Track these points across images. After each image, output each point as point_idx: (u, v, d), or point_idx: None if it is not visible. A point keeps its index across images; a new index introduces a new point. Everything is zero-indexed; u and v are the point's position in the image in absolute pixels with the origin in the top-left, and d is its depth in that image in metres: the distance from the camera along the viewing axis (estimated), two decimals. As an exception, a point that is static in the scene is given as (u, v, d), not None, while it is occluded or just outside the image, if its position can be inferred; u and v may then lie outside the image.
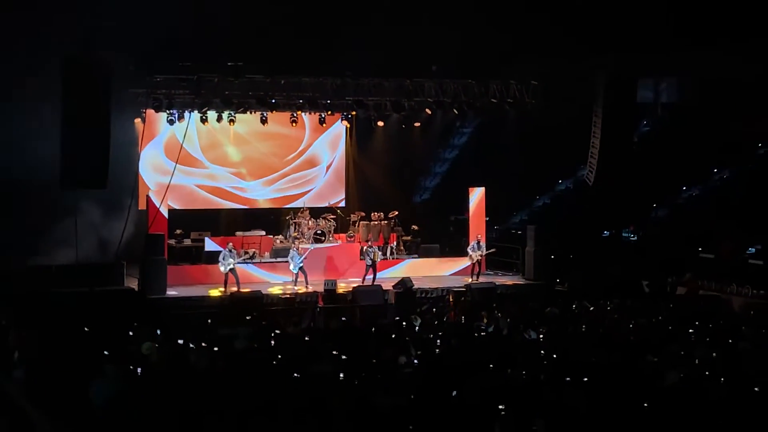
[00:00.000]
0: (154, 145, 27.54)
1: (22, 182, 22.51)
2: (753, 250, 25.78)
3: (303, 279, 24.24)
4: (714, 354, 14.21)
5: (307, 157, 29.82)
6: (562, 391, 11.43)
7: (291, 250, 24.64)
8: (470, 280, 25.65)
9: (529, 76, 26.68)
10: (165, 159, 27.51)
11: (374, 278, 24.87)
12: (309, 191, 29.78)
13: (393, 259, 27.46)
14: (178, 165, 26.23)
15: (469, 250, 26.21)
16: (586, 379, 12.36)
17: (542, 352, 14.65)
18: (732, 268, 24.64)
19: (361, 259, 25.45)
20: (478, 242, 26.22)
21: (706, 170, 30.78)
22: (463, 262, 26.70)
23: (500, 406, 10.89)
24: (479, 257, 26.01)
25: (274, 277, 25.57)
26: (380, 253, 25.66)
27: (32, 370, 12.97)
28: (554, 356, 14.12)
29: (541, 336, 16.23)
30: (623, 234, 30.39)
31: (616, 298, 21.37)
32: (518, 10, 23.65)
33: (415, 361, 13.89)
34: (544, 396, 11.38)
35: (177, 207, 27.01)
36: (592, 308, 20.23)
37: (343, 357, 14.06)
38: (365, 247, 25.29)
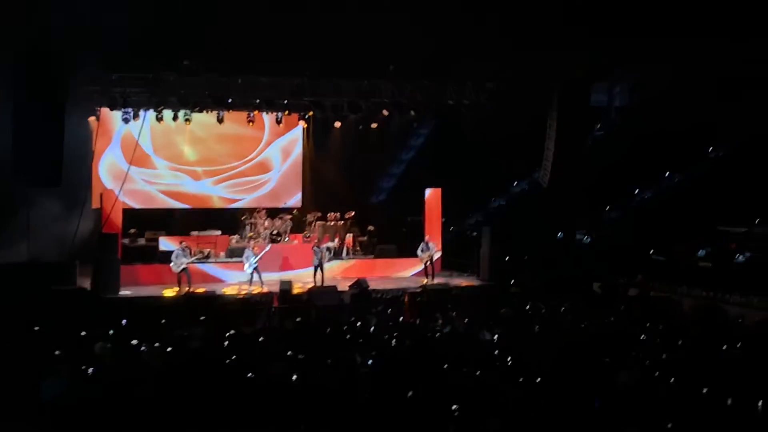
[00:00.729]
0: (109, 144, 27.32)
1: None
2: (703, 252, 26.13)
3: (258, 279, 24.19)
4: (664, 355, 14.41)
5: (264, 157, 29.77)
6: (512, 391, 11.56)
7: (246, 250, 24.59)
8: (425, 281, 25.74)
9: (485, 78, 26.82)
10: (120, 158, 27.32)
11: (323, 279, 24.86)
12: (266, 191, 29.72)
13: (349, 259, 27.50)
14: (133, 164, 26.06)
15: (419, 251, 26.29)
16: (539, 379, 12.47)
17: (496, 352, 14.76)
18: (683, 270, 24.95)
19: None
20: (427, 243, 26.32)
21: (658, 173, 31.14)
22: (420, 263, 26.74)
23: (454, 407, 10.97)
24: (428, 258, 26.10)
25: (229, 276, 25.51)
26: (328, 253, 25.63)
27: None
28: (508, 357, 14.22)
29: (496, 337, 16.34)
30: (577, 235, 30.64)
31: (570, 299, 21.55)
32: (474, 11, 23.70)
33: (370, 361, 13.93)
34: (499, 396, 11.48)
35: (132, 206, 26.84)
36: (545, 309, 20.39)
37: (299, 357, 14.07)
38: (313, 247, 25.27)
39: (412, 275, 27.24)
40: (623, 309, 20.88)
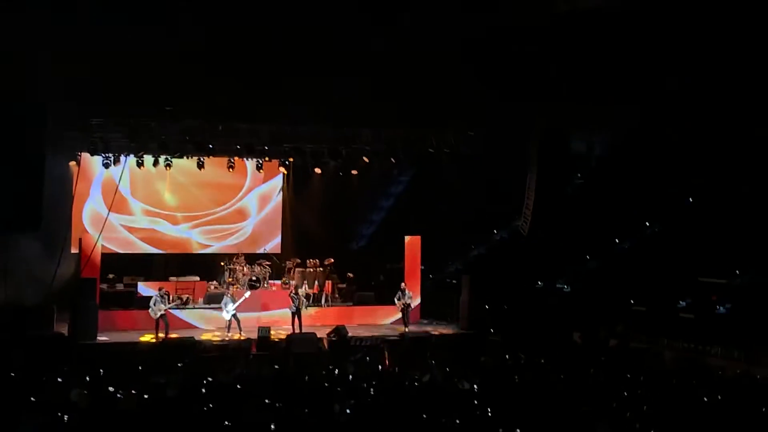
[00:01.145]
0: (89, 188, 27.20)
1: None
2: (683, 303, 26.14)
3: (236, 326, 24.04)
4: (644, 407, 14.36)
5: (244, 203, 29.68)
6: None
7: (225, 297, 24.46)
8: (404, 329, 25.64)
9: (466, 127, 26.93)
10: (100, 202, 27.20)
11: (300, 326, 24.72)
12: (242, 239, 29.60)
13: (328, 306, 27.38)
14: (112, 208, 25.96)
15: (395, 299, 26.25)
16: (518, 430, 12.39)
17: (475, 402, 14.67)
18: (664, 321, 24.96)
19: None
20: (403, 290, 26.26)
21: (638, 223, 31.23)
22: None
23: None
24: (403, 305, 26.03)
25: (207, 323, 25.34)
26: (305, 300, 25.51)
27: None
28: (487, 407, 14.13)
29: (475, 386, 16.26)
30: (557, 285, 30.62)
31: (549, 348, 21.49)
32: (454, 59, 23.89)
33: (349, 410, 13.81)
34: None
35: (110, 251, 26.68)
36: (524, 359, 20.32)
37: (276, 405, 13.94)
38: (291, 293, 25.17)
39: (391, 323, 27.15)
40: (603, 360, 20.84)
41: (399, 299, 26.09)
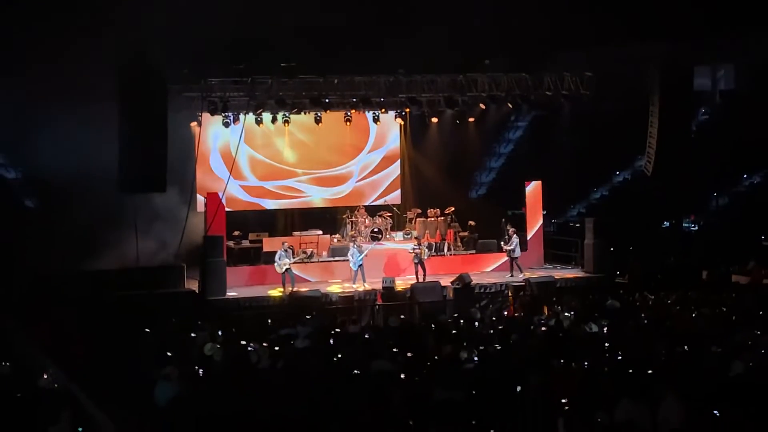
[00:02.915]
0: (211, 148, 27.67)
1: (81, 185, 22.62)
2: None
3: (361, 277, 24.25)
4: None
5: (363, 156, 29.64)
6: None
7: (351, 248, 24.65)
8: (525, 274, 25.36)
9: (584, 68, 26.36)
10: (221, 161, 27.65)
11: (425, 276, 24.77)
12: (365, 190, 29.65)
13: (450, 255, 27.36)
14: (234, 167, 26.37)
15: (503, 245, 26.17)
16: (650, 371, 12.24)
17: (605, 344, 14.54)
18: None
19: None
20: (510, 237, 25.94)
21: (766, 157, 30.28)
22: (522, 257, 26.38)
23: (563, 400, 10.85)
24: (510, 251, 25.75)
25: (332, 275, 25.64)
26: (427, 250, 25.43)
27: (98, 371, 13.26)
28: (616, 348, 14.00)
29: (603, 329, 16.12)
30: (683, 224, 29.99)
31: (678, 288, 21.12)
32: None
33: (476, 357, 13.86)
34: (607, 389, 11.29)
35: (234, 208, 27.16)
36: (653, 300, 20.02)
37: (404, 354, 14.07)
38: (412, 245, 25.19)
39: (494, 268, 26.90)
40: (734, 297, 20.37)
41: (506, 244, 25.88)
